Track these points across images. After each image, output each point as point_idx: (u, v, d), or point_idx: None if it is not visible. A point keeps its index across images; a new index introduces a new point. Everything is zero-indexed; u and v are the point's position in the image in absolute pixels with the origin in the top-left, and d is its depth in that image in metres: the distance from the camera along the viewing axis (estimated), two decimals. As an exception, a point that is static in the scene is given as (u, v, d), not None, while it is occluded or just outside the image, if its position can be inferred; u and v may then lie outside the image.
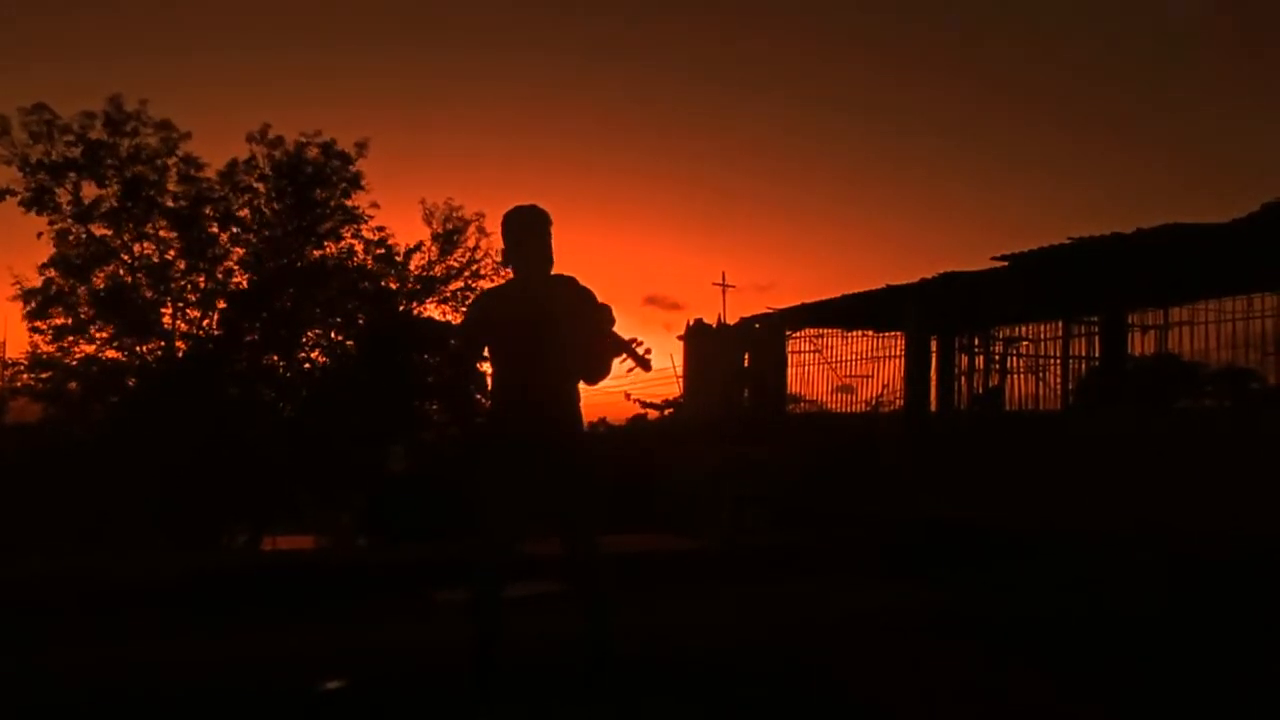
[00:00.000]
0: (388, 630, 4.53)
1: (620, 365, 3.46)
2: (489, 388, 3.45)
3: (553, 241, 3.39)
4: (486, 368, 3.53)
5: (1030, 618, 4.91)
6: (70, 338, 15.85)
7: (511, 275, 3.49)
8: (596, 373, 3.41)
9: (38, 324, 15.67)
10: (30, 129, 15.08)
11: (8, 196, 15.14)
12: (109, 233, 15.99)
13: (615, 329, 3.40)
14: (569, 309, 3.33)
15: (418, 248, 17.88)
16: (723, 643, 4.22)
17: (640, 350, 3.44)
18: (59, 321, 15.84)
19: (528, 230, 3.37)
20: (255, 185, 16.41)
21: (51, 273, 15.75)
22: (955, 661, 3.93)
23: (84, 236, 15.86)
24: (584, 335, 3.35)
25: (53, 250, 15.74)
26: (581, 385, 3.44)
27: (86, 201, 15.65)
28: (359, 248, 17.25)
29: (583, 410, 3.46)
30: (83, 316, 15.92)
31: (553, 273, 3.40)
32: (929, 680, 3.64)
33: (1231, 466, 6.97)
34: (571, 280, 3.41)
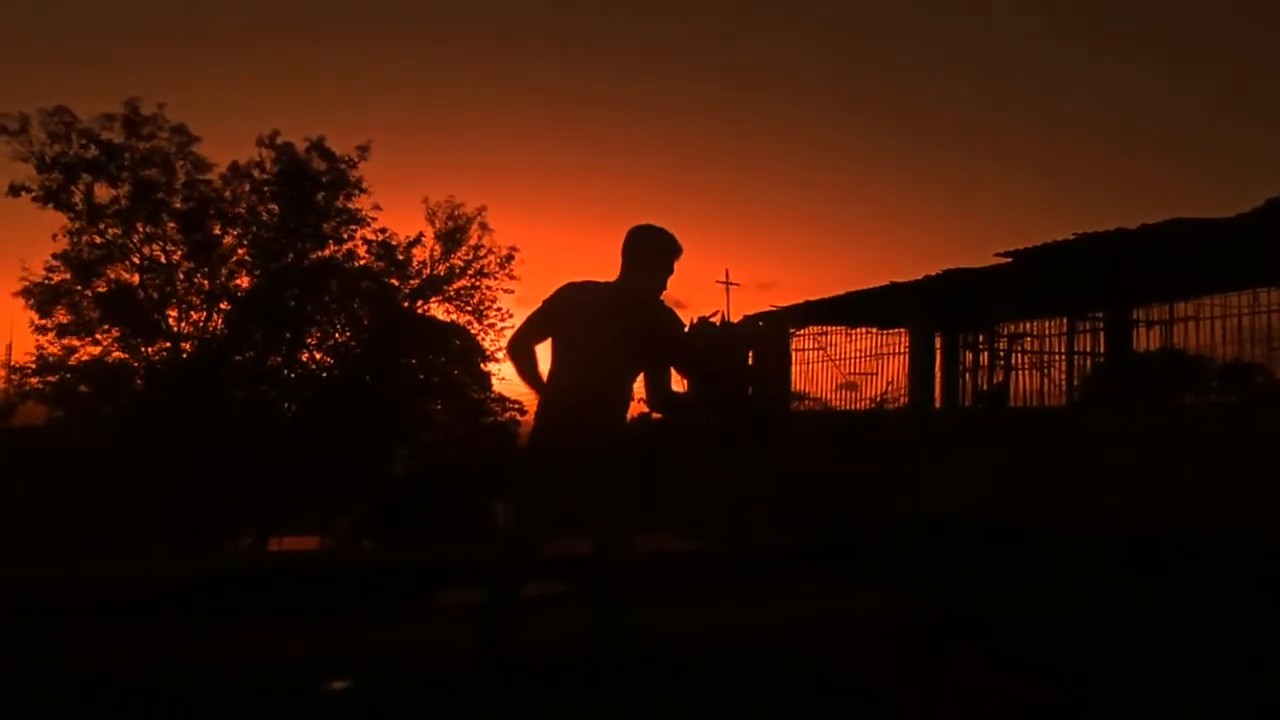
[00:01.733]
0: (389, 632, 4.53)
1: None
2: (546, 381, 3.35)
3: (673, 271, 3.40)
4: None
5: (1034, 617, 4.90)
6: (75, 339, 15.98)
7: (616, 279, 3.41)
8: (661, 406, 3.42)
9: (44, 322, 15.83)
10: (50, 129, 15.41)
11: (23, 193, 15.39)
12: (119, 232, 16.15)
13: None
14: (662, 334, 3.33)
15: (418, 240, 17.91)
16: (724, 643, 4.21)
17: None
18: (63, 319, 15.98)
19: (660, 253, 3.38)
20: (260, 188, 16.52)
21: (58, 265, 15.92)
22: (958, 661, 3.92)
23: (96, 238, 16.05)
24: (661, 364, 3.35)
25: (64, 247, 15.95)
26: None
27: (99, 202, 15.86)
28: (361, 249, 17.31)
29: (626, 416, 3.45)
30: (88, 317, 16.04)
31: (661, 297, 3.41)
32: (931, 680, 3.63)
33: (1237, 462, 6.94)
34: (673, 312, 3.39)
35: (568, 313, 3.32)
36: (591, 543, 3.34)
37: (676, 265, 3.42)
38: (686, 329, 3.44)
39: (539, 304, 3.39)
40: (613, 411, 3.32)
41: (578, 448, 3.23)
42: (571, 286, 3.39)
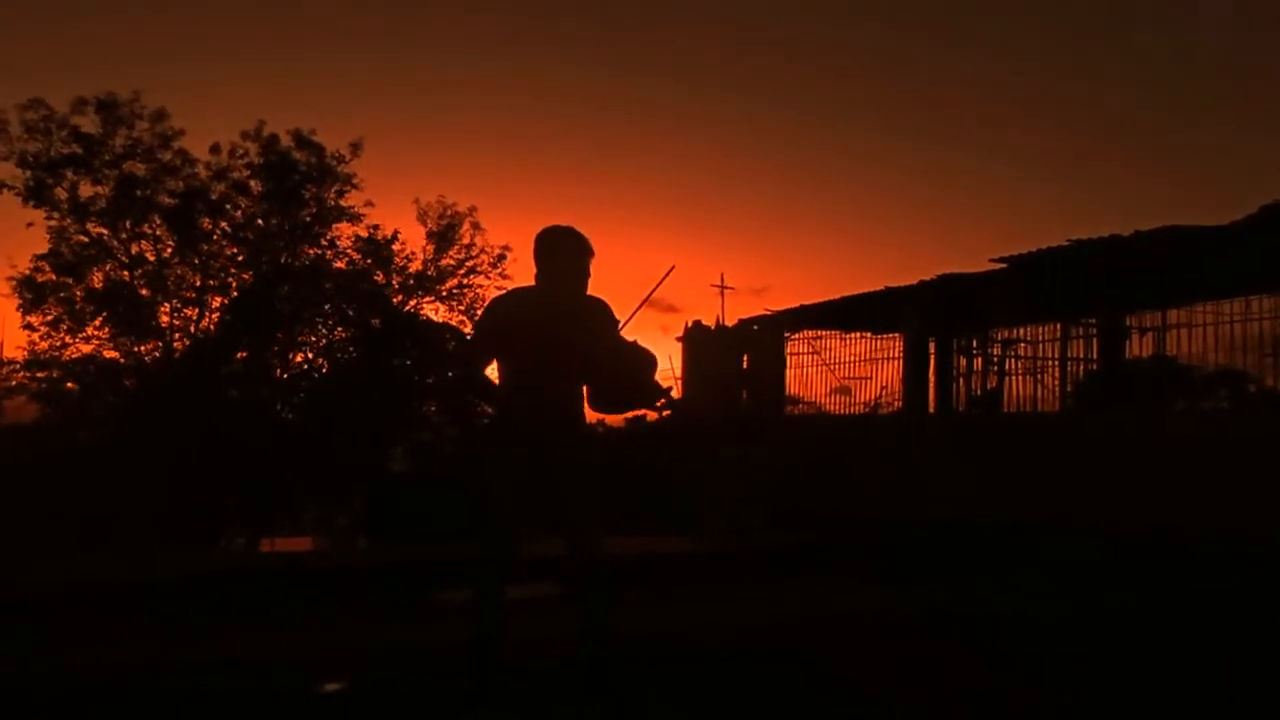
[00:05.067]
0: (387, 631, 4.53)
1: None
2: (498, 388, 3.42)
3: (589, 272, 3.40)
4: (491, 370, 3.51)
5: (1028, 618, 4.92)
6: (67, 335, 15.81)
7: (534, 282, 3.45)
8: (608, 407, 3.42)
9: (31, 320, 15.65)
10: (28, 124, 15.14)
11: (4, 190, 15.18)
12: (105, 231, 15.98)
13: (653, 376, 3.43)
14: (597, 326, 3.33)
15: (394, 238, 17.74)
16: (722, 643, 4.22)
17: (671, 391, 3.52)
18: (53, 316, 15.80)
19: (573, 252, 3.38)
20: (248, 181, 16.34)
21: (45, 265, 15.75)
22: (954, 661, 3.94)
23: (81, 236, 15.85)
24: (603, 356, 3.35)
25: (48, 245, 15.77)
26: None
27: (83, 198, 15.65)
28: (348, 244, 17.19)
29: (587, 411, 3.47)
30: (78, 312, 15.87)
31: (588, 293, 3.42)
32: (929, 680, 3.65)
33: (1229, 469, 6.98)
34: (605, 303, 3.40)
35: (507, 325, 3.36)
36: (566, 545, 3.35)
37: (592, 266, 3.42)
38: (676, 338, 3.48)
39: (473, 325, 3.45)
40: (575, 407, 3.36)
41: (548, 442, 3.25)
42: (499, 302, 3.52)
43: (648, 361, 3.44)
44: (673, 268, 3.38)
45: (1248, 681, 3.75)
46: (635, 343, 3.42)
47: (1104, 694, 3.56)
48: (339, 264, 17.04)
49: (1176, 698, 3.53)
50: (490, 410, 3.46)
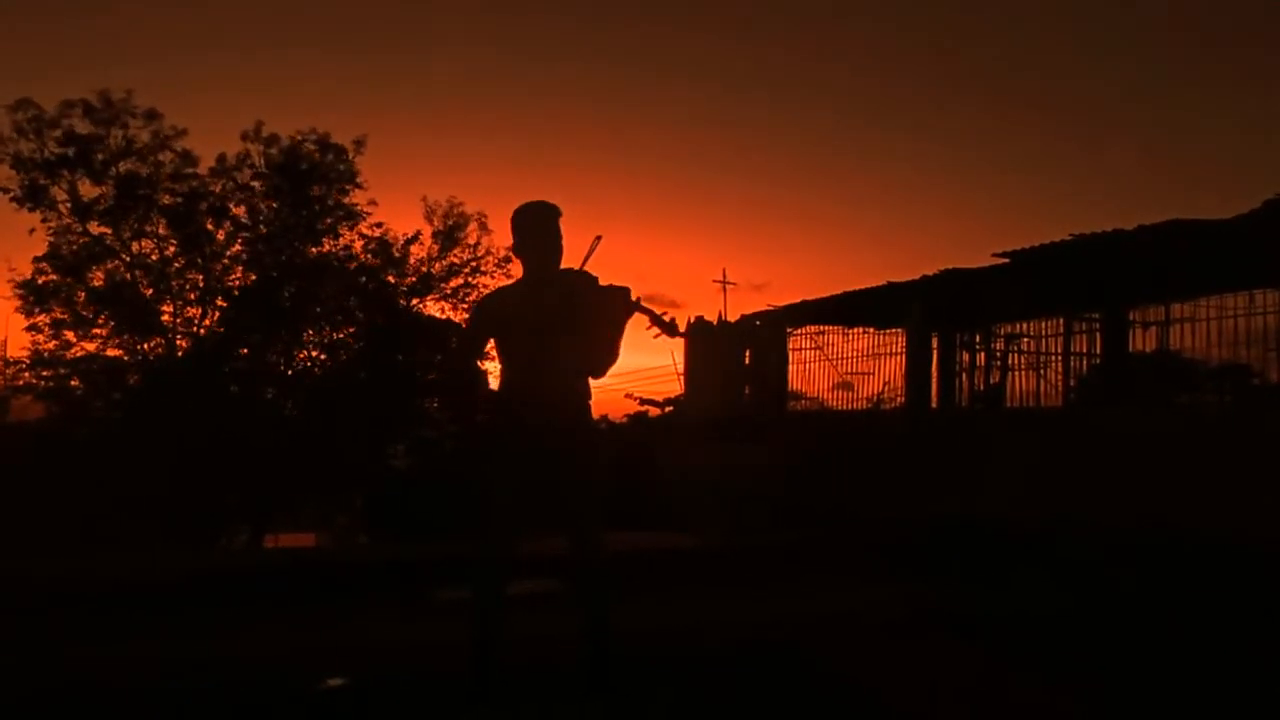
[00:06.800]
0: (388, 629, 4.53)
1: (648, 332, 3.51)
2: (494, 385, 3.44)
3: (562, 234, 3.37)
4: (489, 365, 3.52)
5: (1030, 615, 4.91)
6: (69, 332, 15.82)
7: (521, 272, 3.45)
8: (603, 364, 3.40)
9: (35, 320, 15.66)
10: (18, 126, 15.06)
11: (1, 193, 15.15)
12: (107, 231, 15.97)
13: (634, 299, 3.40)
14: (578, 303, 3.30)
15: (415, 238, 17.82)
16: (722, 641, 4.22)
17: (665, 318, 3.51)
18: (58, 315, 15.81)
19: (538, 225, 3.37)
20: (251, 183, 16.37)
21: (45, 267, 15.74)
22: (955, 659, 3.93)
23: (83, 236, 15.85)
24: (592, 328, 3.33)
25: (48, 247, 15.76)
26: (590, 380, 3.42)
27: (84, 199, 15.63)
28: (358, 245, 17.23)
29: (592, 407, 3.46)
30: (81, 312, 15.88)
31: (562, 266, 3.38)
32: (928, 678, 3.64)
33: (1232, 463, 6.96)
34: (581, 273, 3.36)
35: (495, 322, 3.38)
36: (566, 541, 3.34)
37: (562, 225, 3.38)
38: (678, 323, 3.47)
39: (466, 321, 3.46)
40: (574, 401, 3.34)
41: (547, 438, 3.25)
42: (486, 301, 3.58)
43: (624, 301, 3.37)
44: (599, 237, 3.33)
45: (1252, 683, 3.73)
46: (611, 286, 3.36)
47: (1106, 693, 3.55)
48: (349, 264, 17.06)
49: (1179, 697, 3.51)
50: (487, 404, 3.46)
